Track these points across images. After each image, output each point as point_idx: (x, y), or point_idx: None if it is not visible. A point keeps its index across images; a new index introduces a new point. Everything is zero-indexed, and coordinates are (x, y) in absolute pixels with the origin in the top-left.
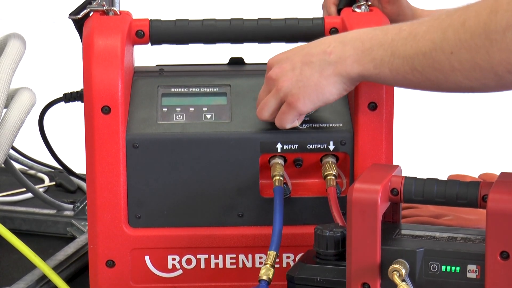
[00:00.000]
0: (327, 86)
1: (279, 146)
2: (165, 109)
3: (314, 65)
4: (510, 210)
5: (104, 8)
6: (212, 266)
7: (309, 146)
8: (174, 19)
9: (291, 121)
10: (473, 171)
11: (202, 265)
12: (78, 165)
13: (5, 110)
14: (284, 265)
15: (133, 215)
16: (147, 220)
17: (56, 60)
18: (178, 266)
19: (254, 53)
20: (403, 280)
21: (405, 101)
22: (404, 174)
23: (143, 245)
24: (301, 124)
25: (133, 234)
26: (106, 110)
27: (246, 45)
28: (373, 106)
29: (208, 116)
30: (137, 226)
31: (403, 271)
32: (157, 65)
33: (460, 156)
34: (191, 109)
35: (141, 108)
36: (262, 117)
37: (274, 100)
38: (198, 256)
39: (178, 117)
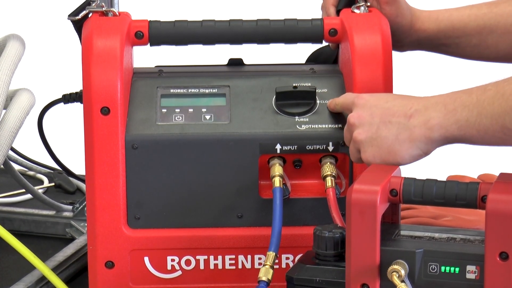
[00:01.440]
0: (399, 151)
1: (278, 147)
2: (164, 110)
3: (391, 126)
4: (509, 211)
5: (103, 9)
6: (212, 267)
7: (308, 147)
8: (173, 20)
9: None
10: (472, 172)
11: (202, 266)
12: (77, 166)
13: (4, 111)
14: (284, 266)
15: (132, 216)
16: (146, 221)
17: (55, 61)
18: (177, 267)
19: (253, 54)
20: (403, 281)
21: None
22: (403, 175)
23: (142, 246)
24: (300, 125)
25: (132, 235)
26: (105, 111)
27: (245, 46)
28: None
29: (207, 117)
30: (136, 227)
31: (402, 272)
32: (156, 66)
33: (459, 156)
34: (190, 110)
35: (140, 109)
36: (355, 162)
37: (353, 149)
38: (197, 257)
39: (177, 118)
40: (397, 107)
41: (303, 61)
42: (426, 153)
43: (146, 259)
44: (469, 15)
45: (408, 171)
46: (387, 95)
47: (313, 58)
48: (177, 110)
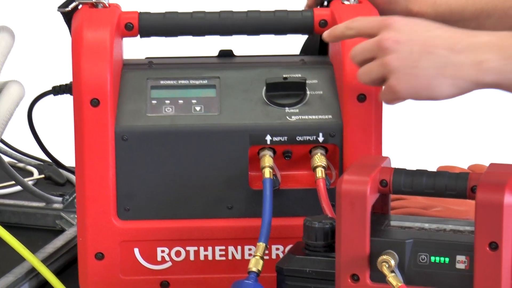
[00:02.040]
0: (440, 86)
1: (268, 138)
2: (154, 102)
3: (434, 58)
4: (498, 201)
5: (93, 0)
6: (202, 258)
7: (298, 138)
8: (163, 11)
9: (387, 101)
10: (463, 163)
11: (192, 257)
12: (67, 158)
13: None
14: (274, 256)
15: (122, 207)
16: (136, 213)
17: (45, 53)
18: (167, 258)
19: (243, 45)
20: (392, 271)
21: None
22: (393, 166)
23: (132, 238)
24: (290, 116)
25: (122, 227)
26: (95, 102)
27: (235, 37)
28: (362, 98)
29: (197, 108)
30: (126, 219)
31: (392, 262)
32: (146, 58)
33: (449, 147)
34: (180, 101)
35: (130, 101)
36: (362, 81)
37: (377, 71)
38: (187, 248)
39: (167, 110)
40: (440, 39)
41: (294, 53)
42: (465, 93)
43: (136, 250)
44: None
45: (397, 162)
46: (426, 22)
47: (305, 49)
48: (167, 102)
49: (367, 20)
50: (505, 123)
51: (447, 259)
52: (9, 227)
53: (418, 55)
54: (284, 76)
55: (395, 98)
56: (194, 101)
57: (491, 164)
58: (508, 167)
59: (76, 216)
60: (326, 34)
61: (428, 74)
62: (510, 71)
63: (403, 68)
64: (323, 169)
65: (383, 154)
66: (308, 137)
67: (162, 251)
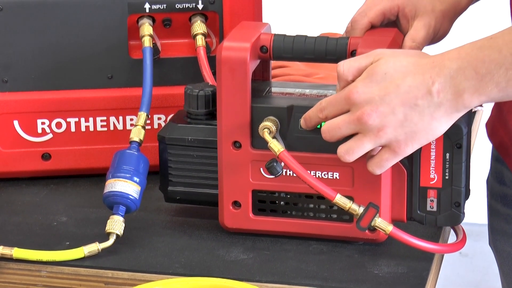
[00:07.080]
0: (439, 126)
1: (147, 6)
2: None
3: (420, 108)
4: None
5: None
6: (83, 129)
7: (177, 6)
8: None
9: (386, 166)
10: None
11: (73, 129)
12: None
13: None
14: (156, 126)
15: None
16: (15, 84)
17: None
18: (48, 130)
19: None
20: (274, 137)
21: None
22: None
23: (11, 110)
24: None
25: (0, 99)
26: None
27: None
28: None
29: None
30: (4, 91)
31: (274, 128)
32: None
33: None
34: None
35: None
36: (348, 160)
37: (370, 145)
38: (68, 120)
39: None
40: (415, 88)
41: None
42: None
43: (16, 122)
44: None
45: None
46: (391, 75)
47: None
48: None
49: (334, 100)
50: None
51: None
52: None
53: (403, 113)
54: None
55: (399, 159)
56: None
57: (370, 30)
58: (387, 32)
59: None
60: (303, 125)
61: (423, 124)
62: (491, 89)
63: (397, 131)
64: (203, 37)
65: (264, 21)
66: (187, 4)
67: (43, 123)
